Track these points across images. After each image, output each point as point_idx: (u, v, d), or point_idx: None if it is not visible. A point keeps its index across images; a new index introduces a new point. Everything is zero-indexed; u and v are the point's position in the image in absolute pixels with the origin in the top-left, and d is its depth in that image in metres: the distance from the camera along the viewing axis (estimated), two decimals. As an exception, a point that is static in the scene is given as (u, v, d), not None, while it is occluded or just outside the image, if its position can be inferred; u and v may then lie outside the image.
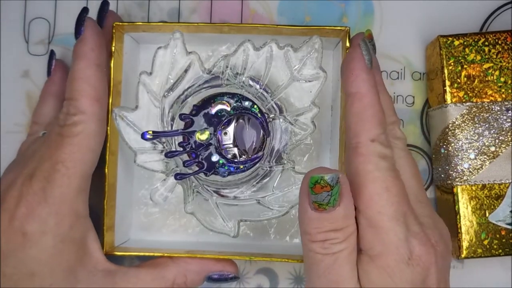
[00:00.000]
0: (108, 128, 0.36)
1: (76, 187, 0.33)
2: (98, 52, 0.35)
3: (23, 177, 0.34)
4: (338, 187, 0.29)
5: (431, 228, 0.32)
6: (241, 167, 0.37)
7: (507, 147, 0.38)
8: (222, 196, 0.37)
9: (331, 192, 0.29)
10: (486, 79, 0.39)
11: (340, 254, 0.30)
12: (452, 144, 0.38)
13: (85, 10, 0.35)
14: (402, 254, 0.30)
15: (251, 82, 0.37)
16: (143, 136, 0.36)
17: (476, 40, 0.39)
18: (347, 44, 0.36)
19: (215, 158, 0.36)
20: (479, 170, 0.38)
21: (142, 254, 0.37)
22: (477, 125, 0.38)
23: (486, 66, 0.39)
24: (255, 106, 0.37)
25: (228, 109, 0.37)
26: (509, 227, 0.38)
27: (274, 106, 0.37)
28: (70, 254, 0.34)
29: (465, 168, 0.38)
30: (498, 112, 0.38)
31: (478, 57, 0.39)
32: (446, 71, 0.39)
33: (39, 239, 0.33)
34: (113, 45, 0.37)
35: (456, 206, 0.38)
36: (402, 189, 0.31)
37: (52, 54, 0.40)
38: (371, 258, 0.30)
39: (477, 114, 0.38)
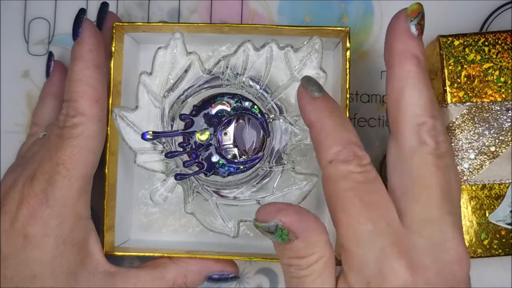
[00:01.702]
0: (108, 128, 0.36)
1: (77, 189, 0.33)
2: (96, 53, 0.35)
3: (24, 179, 0.34)
4: (282, 232, 0.28)
5: (420, 250, 0.28)
6: (241, 167, 0.37)
7: (507, 147, 0.38)
8: (222, 196, 0.37)
9: (274, 236, 0.29)
10: (486, 79, 0.39)
11: (305, 279, 0.29)
12: (452, 144, 0.38)
13: (82, 12, 0.35)
14: (362, 276, 0.28)
15: (251, 83, 0.37)
16: (143, 136, 0.36)
17: (476, 40, 0.39)
18: (347, 44, 0.36)
19: (215, 158, 0.36)
20: (479, 170, 0.38)
21: (142, 254, 0.37)
22: (477, 125, 0.38)
23: (486, 66, 0.39)
24: (255, 107, 0.37)
25: (228, 109, 0.37)
26: (509, 227, 0.38)
27: (274, 106, 0.37)
28: (72, 256, 0.34)
29: (465, 168, 0.38)
30: (498, 112, 0.38)
31: (478, 57, 0.39)
32: (446, 71, 0.39)
33: (40, 241, 0.33)
34: (113, 45, 0.37)
35: (456, 206, 0.38)
36: (369, 206, 0.28)
37: (50, 55, 0.40)
38: (341, 274, 0.30)
39: (477, 114, 0.38)
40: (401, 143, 0.30)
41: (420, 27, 0.31)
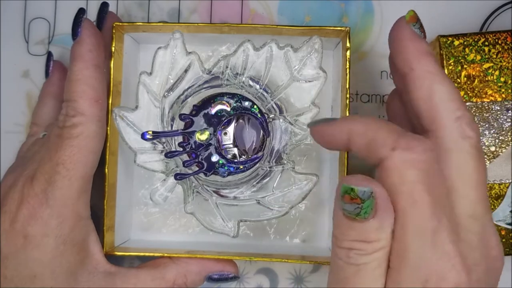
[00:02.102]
0: (108, 128, 0.36)
1: (77, 189, 0.33)
2: (95, 53, 0.35)
3: (24, 179, 0.34)
4: (371, 202, 0.26)
5: (472, 248, 0.28)
6: (241, 167, 0.37)
7: (507, 147, 0.38)
8: (222, 196, 0.37)
9: (361, 205, 0.26)
10: (486, 79, 0.39)
11: (364, 267, 0.27)
12: (452, 144, 0.38)
13: (81, 11, 0.35)
14: (419, 275, 0.27)
15: (251, 82, 0.37)
16: (143, 136, 0.36)
17: (476, 40, 0.39)
18: (347, 44, 0.36)
19: (215, 158, 0.36)
20: (479, 170, 0.38)
21: (142, 254, 0.37)
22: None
23: (486, 66, 0.39)
24: (255, 106, 0.37)
25: (228, 109, 0.37)
26: (509, 227, 0.38)
27: (274, 106, 0.37)
28: (72, 256, 0.34)
29: (465, 168, 0.38)
30: (498, 112, 0.38)
31: (478, 57, 0.39)
32: (446, 71, 0.39)
33: (40, 241, 0.33)
34: (113, 45, 0.37)
35: (456, 206, 0.38)
36: (436, 201, 0.27)
37: (49, 55, 0.40)
38: (391, 271, 0.28)
39: (477, 114, 0.38)
40: (442, 138, 0.29)
41: (423, 30, 0.32)
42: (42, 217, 0.33)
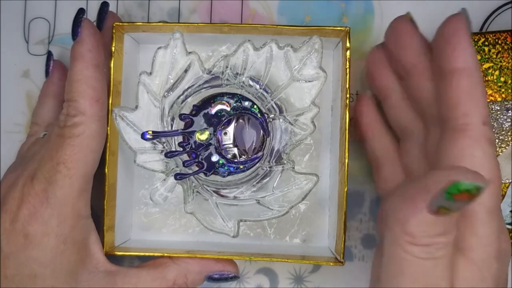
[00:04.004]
0: (108, 128, 0.36)
1: (78, 188, 0.33)
2: (95, 53, 0.35)
3: (24, 178, 0.34)
4: (476, 197, 0.26)
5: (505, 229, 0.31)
6: (241, 167, 0.37)
7: (507, 147, 0.38)
8: (222, 196, 0.37)
9: (472, 199, 0.25)
10: (486, 79, 0.39)
11: (442, 259, 0.27)
12: (452, 144, 0.38)
13: (81, 11, 0.35)
14: (494, 249, 0.28)
15: (251, 82, 0.37)
16: (143, 136, 0.36)
17: (476, 40, 0.39)
18: (347, 44, 0.36)
19: (215, 158, 0.36)
20: (479, 170, 0.38)
21: (142, 254, 0.37)
22: (477, 125, 0.38)
23: (486, 66, 0.39)
24: (255, 106, 0.37)
25: (228, 109, 0.37)
26: (509, 227, 0.38)
27: (274, 106, 0.37)
28: (72, 255, 0.34)
29: (465, 168, 0.38)
30: (498, 112, 0.38)
31: (478, 57, 0.39)
32: (446, 71, 0.39)
33: (41, 240, 0.33)
34: (113, 45, 0.37)
35: (456, 206, 0.38)
36: (501, 182, 0.30)
37: (49, 55, 0.40)
38: (462, 250, 0.28)
39: (477, 114, 0.38)
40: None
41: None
42: (42, 217, 0.33)
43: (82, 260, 0.34)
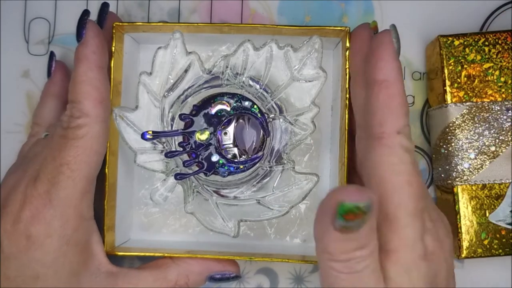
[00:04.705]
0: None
1: (81, 190, 0.33)
2: (100, 55, 0.35)
3: (26, 179, 0.33)
4: (372, 211, 0.26)
5: (439, 223, 0.31)
6: (241, 167, 0.37)
7: (507, 147, 0.38)
8: (222, 196, 0.37)
9: (363, 218, 0.26)
10: (486, 79, 0.39)
11: (365, 270, 0.28)
12: (452, 144, 0.38)
13: (86, 13, 0.35)
14: (418, 250, 0.29)
15: (251, 82, 0.37)
16: (143, 136, 0.36)
17: (476, 40, 0.39)
18: (347, 44, 0.36)
19: (215, 158, 0.36)
20: (479, 170, 0.38)
21: (142, 254, 0.37)
22: (477, 125, 0.38)
23: (486, 66, 0.39)
24: (255, 106, 0.37)
25: (228, 109, 0.37)
26: (509, 227, 0.38)
27: (274, 106, 0.37)
28: (74, 256, 0.34)
29: (465, 168, 0.38)
30: (498, 112, 0.38)
31: (478, 57, 0.39)
32: (446, 71, 0.39)
33: (43, 241, 0.33)
34: (113, 45, 0.37)
35: (456, 206, 0.38)
36: (422, 183, 0.30)
37: (52, 55, 0.40)
38: (386, 253, 0.29)
39: (477, 114, 0.38)
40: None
41: None
42: (45, 218, 0.33)
43: (84, 261, 0.34)
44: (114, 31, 0.37)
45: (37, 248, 0.33)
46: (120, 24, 0.37)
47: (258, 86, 0.37)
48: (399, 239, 0.29)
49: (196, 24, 0.37)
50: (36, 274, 0.33)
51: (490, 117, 0.38)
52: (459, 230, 0.38)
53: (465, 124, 0.38)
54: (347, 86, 0.36)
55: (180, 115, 0.36)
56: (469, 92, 0.38)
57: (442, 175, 0.39)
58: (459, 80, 0.39)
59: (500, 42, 0.39)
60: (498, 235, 0.38)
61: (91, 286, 0.34)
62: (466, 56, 0.39)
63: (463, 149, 0.38)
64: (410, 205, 0.29)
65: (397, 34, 0.32)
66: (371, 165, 0.30)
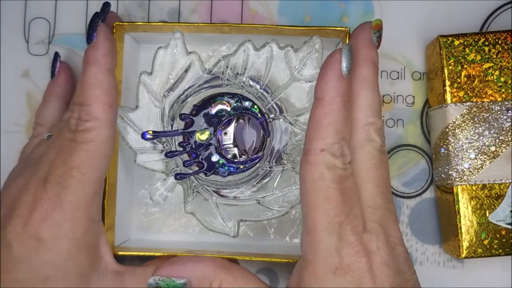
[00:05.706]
0: (108, 128, 0.36)
1: (91, 193, 0.33)
2: (109, 58, 0.34)
3: (36, 182, 0.33)
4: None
5: (375, 234, 0.31)
6: (241, 167, 0.37)
7: (507, 147, 0.38)
8: (222, 196, 0.37)
9: None
10: (486, 79, 0.39)
11: None
12: (452, 144, 0.38)
13: (97, 16, 0.35)
14: (330, 263, 0.30)
15: (251, 82, 0.37)
16: (143, 136, 0.36)
17: (476, 40, 0.39)
18: (347, 44, 0.36)
19: (215, 158, 0.36)
20: (479, 170, 0.38)
21: (142, 254, 0.37)
22: (477, 125, 0.38)
23: (486, 66, 0.39)
24: (255, 106, 0.37)
25: (228, 109, 0.37)
26: (509, 227, 0.38)
27: (274, 106, 0.37)
28: (84, 258, 0.34)
29: (465, 168, 0.38)
30: (498, 112, 0.38)
31: (478, 57, 0.39)
32: (446, 71, 0.39)
33: (53, 244, 0.32)
34: (113, 45, 0.37)
35: (456, 206, 0.38)
36: (345, 199, 0.31)
37: (56, 55, 0.40)
38: (305, 263, 0.31)
39: (477, 114, 0.38)
40: (353, 138, 0.33)
41: (380, 40, 0.34)
42: (55, 221, 0.33)
43: (93, 263, 0.34)
44: (114, 30, 0.37)
45: (47, 250, 0.33)
46: (121, 24, 0.37)
47: (258, 86, 0.37)
48: (314, 252, 0.31)
49: (196, 24, 0.37)
50: (45, 276, 0.33)
51: (490, 117, 0.38)
52: (459, 230, 0.38)
53: (465, 124, 0.38)
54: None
55: (180, 115, 0.36)
56: (469, 92, 0.38)
57: (442, 175, 0.39)
58: (459, 80, 0.39)
59: (500, 42, 0.39)
60: (498, 235, 0.38)
61: (99, 286, 0.34)
62: (466, 56, 0.39)
63: (463, 149, 0.38)
64: (324, 221, 0.30)
65: (350, 53, 0.32)
66: (300, 178, 0.32)
